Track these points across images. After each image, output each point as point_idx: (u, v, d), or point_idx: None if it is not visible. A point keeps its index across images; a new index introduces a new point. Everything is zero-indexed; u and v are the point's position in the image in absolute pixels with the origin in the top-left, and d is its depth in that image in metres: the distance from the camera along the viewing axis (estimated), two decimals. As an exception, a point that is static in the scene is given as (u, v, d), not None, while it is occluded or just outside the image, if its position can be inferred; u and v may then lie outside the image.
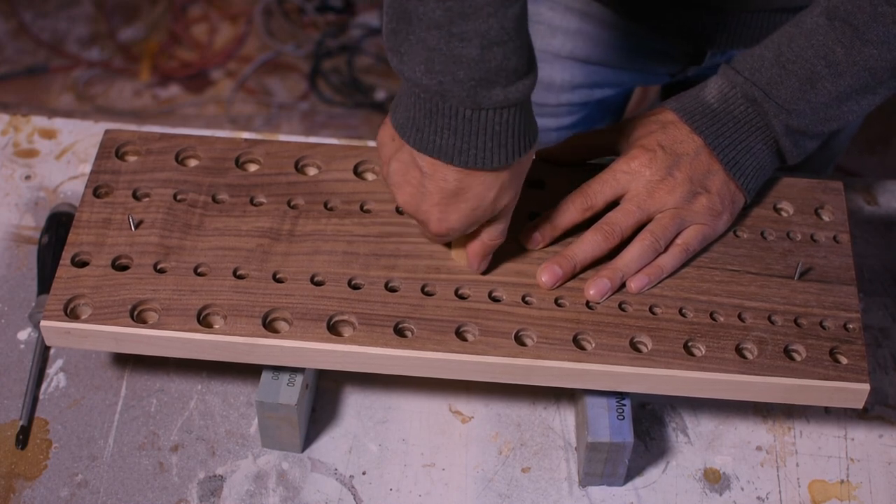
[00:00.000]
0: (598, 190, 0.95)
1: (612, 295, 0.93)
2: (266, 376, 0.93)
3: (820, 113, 0.95)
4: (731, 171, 0.95)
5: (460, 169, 0.84)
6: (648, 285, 0.94)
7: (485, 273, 0.94)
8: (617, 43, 1.19)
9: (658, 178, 0.94)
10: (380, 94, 2.42)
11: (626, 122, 0.99)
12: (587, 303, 0.93)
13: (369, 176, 1.01)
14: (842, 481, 0.97)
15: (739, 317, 0.93)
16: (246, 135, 1.12)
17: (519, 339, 0.91)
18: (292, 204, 0.99)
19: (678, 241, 0.95)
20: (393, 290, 0.93)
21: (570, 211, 0.95)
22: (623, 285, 0.94)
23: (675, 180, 0.94)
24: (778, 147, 0.97)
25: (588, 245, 0.94)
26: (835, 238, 0.99)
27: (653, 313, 0.93)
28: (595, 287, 0.93)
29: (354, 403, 1.00)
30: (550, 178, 1.01)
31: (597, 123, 1.30)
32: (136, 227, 0.96)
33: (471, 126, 0.82)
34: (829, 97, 0.94)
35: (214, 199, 0.99)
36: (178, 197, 0.99)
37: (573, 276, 0.94)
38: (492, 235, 0.91)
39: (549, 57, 1.20)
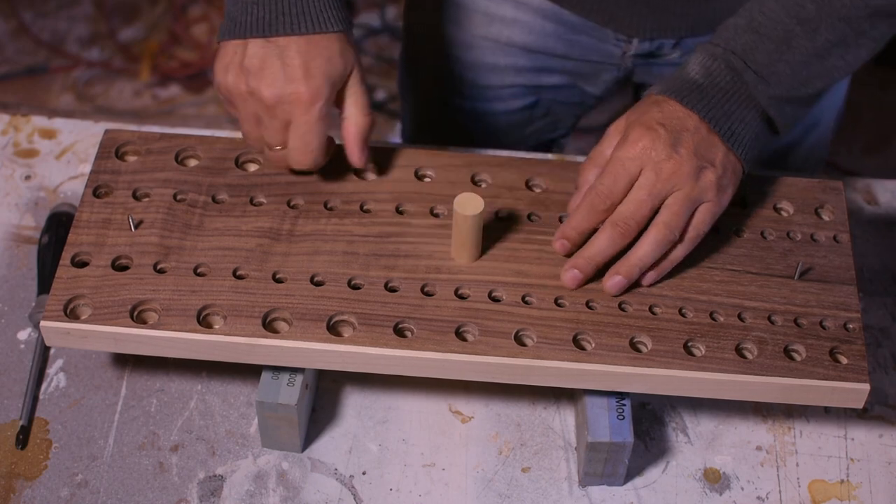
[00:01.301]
0: (612, 185, 0.93)
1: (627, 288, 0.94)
2: (266, 376, 0.93)
3: (800, 73, 0.95)
4: (730, 142, 0.95)
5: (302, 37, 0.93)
6: (659, 277, 0.95)
7: (484, 273, 0.94)
8: (552, 30, 1.19)
9: (664, 156, 0.93)
10: (380, 94, 2.42)
11: (617, 122, 0.98)
12: (587, 303, 0.93)
13: (369, 176, 1.01)
14: (842, 481, 0.97)
15: (739, 317, 0.93)
16: (246, 135, 1.12)
17: (519, 339, 0.91)
18: (292, 204, 0.99)
19: (690, 230, 0.94)
20: (393, 290, 0.93)
21: (592, 213, 0.94)
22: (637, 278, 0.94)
23: (680, 157, 0.93)
24: (767, 116, 0.97)
25: (605, 243, 0.93)
26: (835, 238, 0.99)
27: (653, 313, 0.93)
28: (611, 283, 0.93)
29: (354, 403, 1.00)
30: (540, 178, 1.01)
31: (554, 116, 1.31)
32: (136, 227, 0.96)
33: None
34: (806, 55, 0.94)
35: (214, 199, 0.99)
36: (178, 197, 0.99)
37: (595, 275, 0.94)
38: (357, 111, 0.98)
39: (489, 44, 1.21)
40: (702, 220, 0.94)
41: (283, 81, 0.93)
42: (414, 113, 1.37)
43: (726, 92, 0.95)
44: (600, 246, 0.93)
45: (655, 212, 0.93)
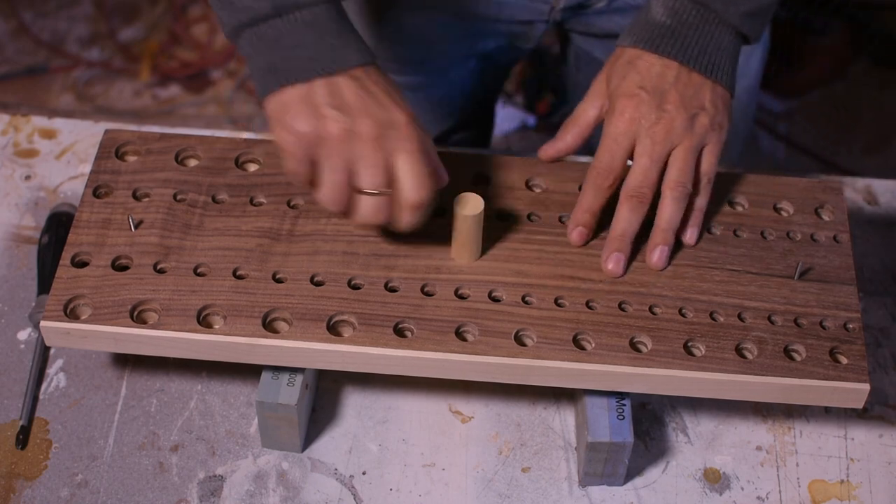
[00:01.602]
0: (611, 161, 0.95)
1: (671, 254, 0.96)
2: (266, 376, 0.93)
3: None
4: (713, 76, 0.96)
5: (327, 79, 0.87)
6: (699, 230, 0.96)
7: (484, 273, 0.94)
8: None
9: (654, 119, 0.94)
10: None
11: (596, 82, 0.99)
12: (587, 303, 0.93)
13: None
14: (842, 481, 0.97)
15: (739, 317, 0.93)
16: (246, 135, 1.12)
17: (519, 339, 0.91)
18: (292, 204, 0.99)
19: (702, 176, 0.96)
20: (393, 290, 0.93)
21: (598, 191, 0.96)
22: (678, 242, 0.96)
23: (669, 114, 0.94)
24: (740, 33, 0.97)
25: (628, 216, 0.94)
26: (835, 238, 0.99)
27: (653, 313, 0.93)
28: (657, 256, 0.95)
29: (354, 403, 1.00)
30: (540, 178, 1.01)
31: (492, 75, 1.32)
32: (136, 227, 0.96)
33: (319, 26, 0.88)
34: None
35: (214, 199, 0.99)
36: (178, 197, 0.99)
37: (634, 252, 0.95)
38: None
39: (424, 15, 1.20)
40: (709, 162, 0.96)
41: (378, 110, 0.87)
42: None
43: (696, 28, 0.96)
44: (625, 220, 0.95)
45: (663, 171, 0.95)
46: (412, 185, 0.87)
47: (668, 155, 0.95)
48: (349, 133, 0.86)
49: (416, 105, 1.02)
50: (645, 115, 0.94)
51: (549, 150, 1.01)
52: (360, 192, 0.88)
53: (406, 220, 0.89)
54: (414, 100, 1.25)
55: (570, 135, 1.00)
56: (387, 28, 1.22)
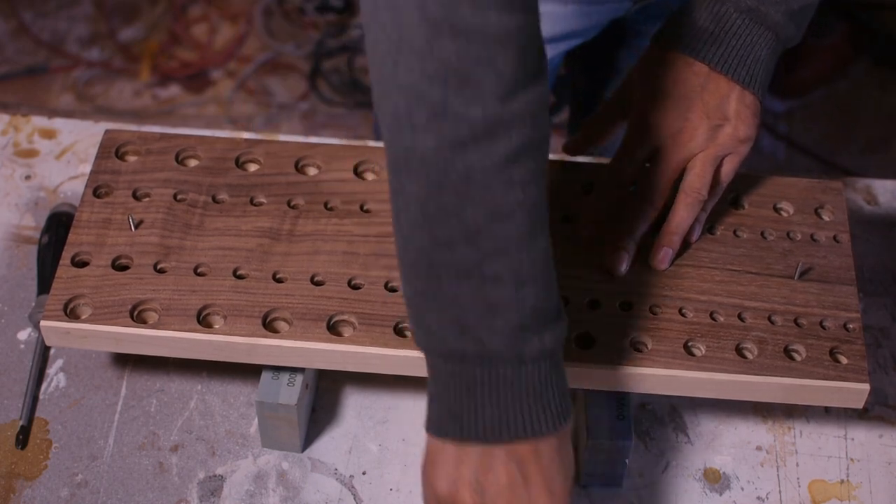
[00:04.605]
0: (626, 164, 0.96)
1: (675, 257, 0.96)
2: (266, 376, 0.93)
3: None
4: (747, 85, 0.94)
5: (509, 446, 0.74)
6: (702, 228, 0.97)
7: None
8: (572, 11, 1.15)
9: (677, 127, 0.94)
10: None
11: (626, 80, 0.98)
12: (587, 302, 0.93)
13: (369, 176, 1.01)
14: (842, 481, 0.97)
15: (739, 317, 0.93)
16: (246, 135, 1.12)
17: (519, 339, 0.91)
18: (292, 204, 0.99)
19: (717, 184, 0.96)
20: (393, 290, 0.93)
21: (620, 186, 0.96)
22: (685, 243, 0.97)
23: (692, 123, 0.94)
24: (780, 35, 0.95)
25: (642, 216, 0.95)
26: (835, 238, 0.99)
27: (653, 313, 0.93)
28: (660, 256, 0.95)
29: (354, 403, 1.00)
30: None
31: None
32: (136, 227, 0.96)
33: (513, 389, 0.73)
34: None
35: (214, 199, 0.99)
36: (178, 197, 0.99)
37: (637, 253, 0.96)
38: None
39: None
40: (728, 171, 0.96)
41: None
42: None
43: (740, 36, 0.94)
44: (637, 220, 0.95)
45: (679, 177, 0.95)
46: None
47: (686, 161, 0.94)
48: None
49: None
50: (669, 123, 0.94)
51: (572, 143, 1.02)
52: None
53: None
54: None
55: (594, 130, 1.00)
56: None
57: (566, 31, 1.19)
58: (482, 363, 0.73)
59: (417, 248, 0.73)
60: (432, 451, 0.78)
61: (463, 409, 0.75)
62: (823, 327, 0.93)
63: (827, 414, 1.01)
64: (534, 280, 0.73)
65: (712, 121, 0.94)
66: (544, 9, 1.15)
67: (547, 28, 1.17)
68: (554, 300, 0.76)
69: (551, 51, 1.21)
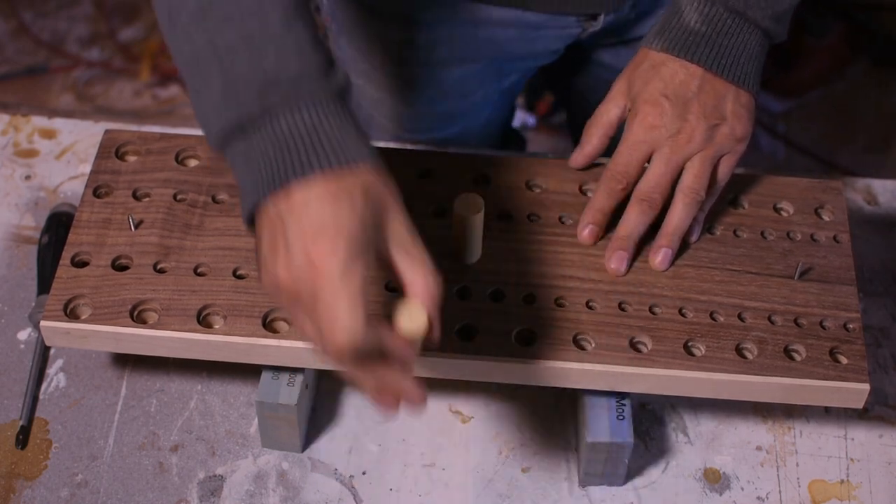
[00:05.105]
0: (627, 165, 0.95)
1: (674, 258, 0.96)
2: (266, 376, 0.93)
3: None
4: (740, 83, 0.96)
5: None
6: (701, 228, 0.97)
7: (484, 273, 0.94)
8: (514, 35, 1.16)
9: (675, 129, 0.94)
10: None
11: (619, 82, 0.99)
12: (587, 303, 0.93)
13: (369, 176, 1.01)
14: (842, 481, 0.97)
15: (739, 317, 0.93)
16: (246, 135, 1.12)
17: (519, 339, 0.91)
18: (292, 204, 0.99)
19: (714, 183, 0.96)
20: (392, 290, 0.93)
21: (611, 193, 0.96)
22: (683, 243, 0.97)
23: (690, 125, 0.94)
24: (767, 33, 0.97)
25: (636, 219, 0.95)
26: (835, 238, 0.99)
27: (653, 313, 0.93)
28: (660, 258, 0.95)
29: (354, 403, 1.00)
30: (540, 178, 1.01)
31: (512, 95, 1.32)
32: (136, 227, 0.96)
33: (275, 143, 0.75)
34: None
35: (214, 199, 0.99)
36: (178, 197, 0.99)
37: (637, 252, 0.95)
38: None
39: (454, 65, 1.19)
40: (725, 170, 0.97)
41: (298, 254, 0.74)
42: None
43: (731, 36, 0.95)
44: (632, 223, 0.95)
45: (678, 176, 0.95)
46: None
47: (685, 162, 0.95)
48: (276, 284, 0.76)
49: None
50: (666, 125, 0.94)
51: (579, 157, 1.01)
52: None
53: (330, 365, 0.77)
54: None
55: (595, 137, 1.00)
56: (425, 89, 1.21)
57: (520, 53, 1.20)
58: (247, 130, 0.76)
59: (187, 43, 0.82)
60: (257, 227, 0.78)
61: (247, 183, 0.76)
62: (823, 327, 0.93)
63: (827, 414, 1.01)
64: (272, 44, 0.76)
65: (710, 121, 0.94)
66: (492, 32, 1.17)
67: (494, 50, 1.19)
68: (305, 61, 0.76)
69: (509, 72, 1.24)
